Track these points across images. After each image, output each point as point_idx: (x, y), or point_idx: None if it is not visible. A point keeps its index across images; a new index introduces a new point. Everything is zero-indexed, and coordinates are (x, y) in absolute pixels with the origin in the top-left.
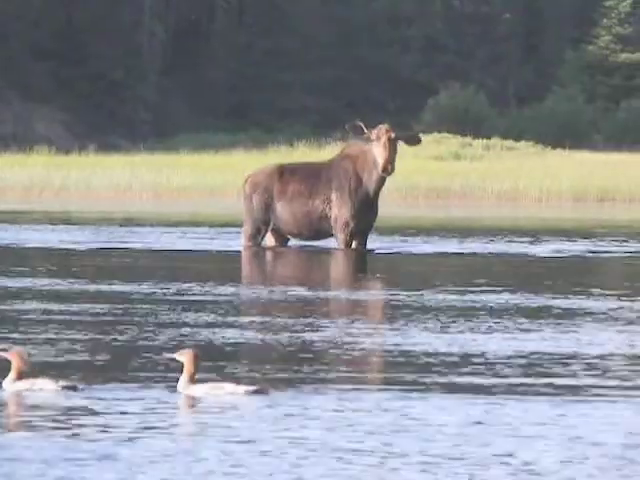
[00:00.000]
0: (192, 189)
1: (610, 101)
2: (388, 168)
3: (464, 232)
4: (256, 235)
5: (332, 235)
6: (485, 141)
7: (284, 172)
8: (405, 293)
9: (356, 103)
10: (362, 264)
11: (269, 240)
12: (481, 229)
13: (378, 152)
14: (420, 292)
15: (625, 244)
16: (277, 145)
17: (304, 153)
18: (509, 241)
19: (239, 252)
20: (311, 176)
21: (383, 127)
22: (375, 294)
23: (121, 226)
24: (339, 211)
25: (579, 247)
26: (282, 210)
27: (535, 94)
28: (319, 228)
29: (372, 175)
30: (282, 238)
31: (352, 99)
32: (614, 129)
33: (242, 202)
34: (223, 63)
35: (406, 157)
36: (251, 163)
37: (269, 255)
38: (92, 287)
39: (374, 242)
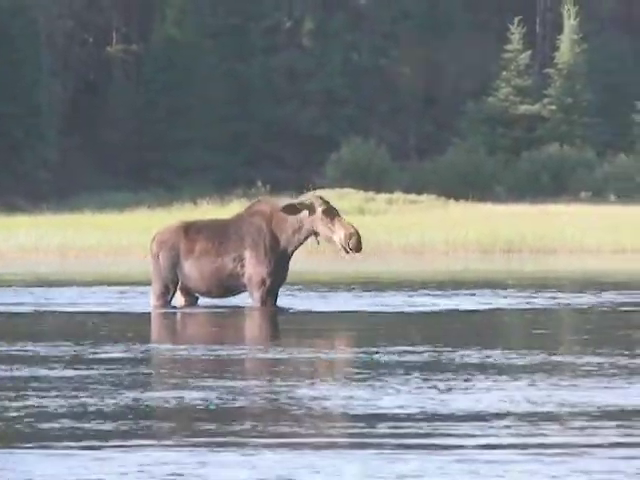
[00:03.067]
0: (97, 249)
1: (511, 153)
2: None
3: (374, 286)
4: (165, 294)
5: (241, 292)
6: (388, 195)
7: (190, 229)
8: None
9: (256, 159)
10: (275, 322)
11: (178, 299)
12: (390, 283)
13: (333, 228)
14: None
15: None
16: (181, 203)
17: (207, 210)
18: (422, 295)
19: (147, 312)
20: (218, 233)
21: (316, 198)
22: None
23: (27, 287)
24: (254, 269)
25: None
26: (190, 268)
27: (436, 146)
28: (228, 286)
29: (293, 238)
30: (191, 297)
31: (252, 155)
32: (516, 181)
33: (149, 261)
34: (122, 121)
35: None
36: (155, 221)
37: (179, 315)
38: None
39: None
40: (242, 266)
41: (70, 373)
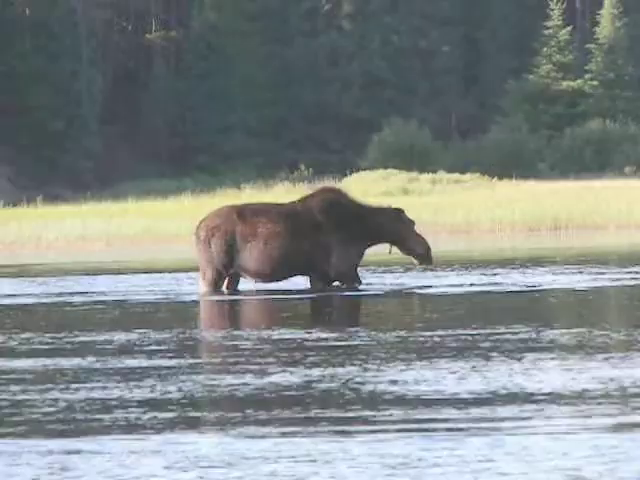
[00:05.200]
0: (142, 236)
1: (554, 129)
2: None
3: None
4: (217, 280)
5: (299, 275)
6: (431, 175)
7: (244, 213)
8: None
9: (299, 143)
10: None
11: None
12: (469, 261)
13: (416, 241)
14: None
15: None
16: (224, 188)
17: (252, 195)
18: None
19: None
20: (287, 217)
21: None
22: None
23: (86, 275)
24: (344, 254)
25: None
26: (252, 252)
27: (478, 126)
28: (297, 269)
29: (374, 238)
30: (235, 282)
31: (294, 139)
32: (559, 157)
33: (197, 248)
34: (163, 108)
35: (355, 195)
36: (199, 207)
37: (242, 302)
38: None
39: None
40: (324, 251)
41: (133, 362)
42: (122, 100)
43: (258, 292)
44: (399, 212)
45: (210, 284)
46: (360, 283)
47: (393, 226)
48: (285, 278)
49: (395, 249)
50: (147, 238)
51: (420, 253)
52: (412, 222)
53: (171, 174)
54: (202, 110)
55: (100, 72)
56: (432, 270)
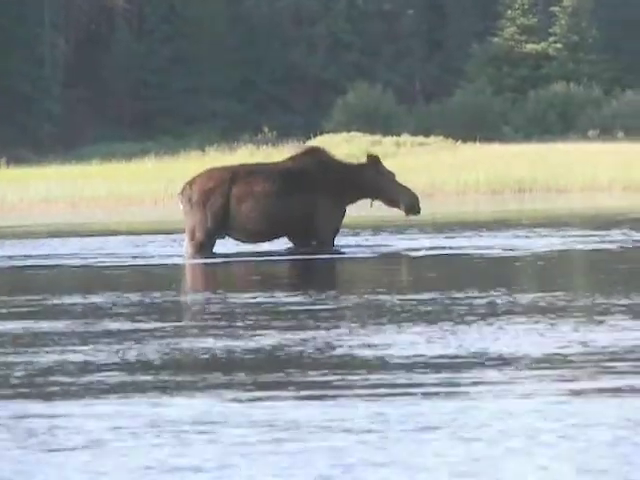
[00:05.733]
0: (107, 198)
1: (518, 92)
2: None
3: (400, 228)
4: (209, 243)
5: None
6: (395, 138)
7: (238, 174)
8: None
9: (264, 105)
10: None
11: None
12: (398, 226)
13: (400, 192)
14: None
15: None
16: (188, 151)
17: (215, 158)
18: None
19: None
20: (280, 176)
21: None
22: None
23: (49, 237)
24: (330, 214)
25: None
26: (249, 211)
27: (442, 89)
28: (293, 227)
29: (357, 193)
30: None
31: (260, 101)
32: (523, 120)
33: (186, 210)
34: (125, 72)
35: None
36: (163, 170)
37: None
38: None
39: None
40: (315, 209)
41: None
42: (85, 63)
43: (240, 254)
44: (377, 164)
45: (199, 246)
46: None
47: (375, 180)
48: (277, 237)
49: (378, 202)
50: (111, 200)
51: (406, 203)
52: (391, 173)
53: (134, 137)
54: (165, 73)
55: (63, 35)
56: (402, 232)
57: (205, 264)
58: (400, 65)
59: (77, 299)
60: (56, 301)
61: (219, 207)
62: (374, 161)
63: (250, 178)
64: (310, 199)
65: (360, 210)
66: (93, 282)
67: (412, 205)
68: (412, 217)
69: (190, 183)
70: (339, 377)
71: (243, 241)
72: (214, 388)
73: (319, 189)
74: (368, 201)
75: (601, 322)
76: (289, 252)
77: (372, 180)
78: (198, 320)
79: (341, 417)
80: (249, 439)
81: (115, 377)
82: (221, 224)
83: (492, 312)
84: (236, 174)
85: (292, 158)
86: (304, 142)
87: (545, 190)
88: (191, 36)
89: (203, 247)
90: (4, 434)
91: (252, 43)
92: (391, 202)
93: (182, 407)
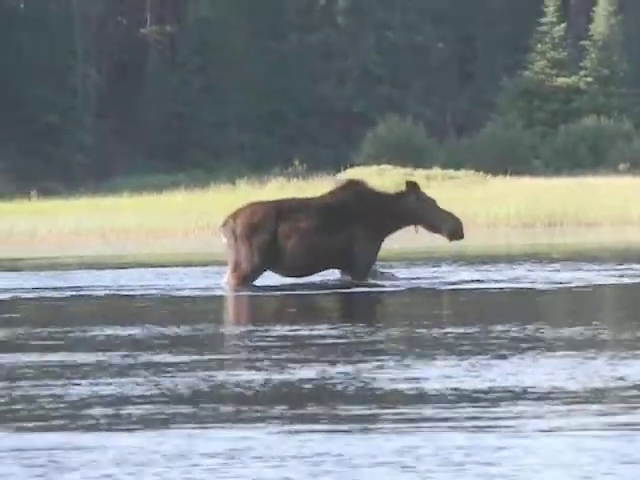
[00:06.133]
0: (137, 231)
1: (548, 126)
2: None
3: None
4: (252, 277)
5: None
6: (426, 171)
7: (282, 210)
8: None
9: (293, 138)
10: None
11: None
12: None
13: (442, 218)
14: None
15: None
16: (218, 184)
17: (246, 191)
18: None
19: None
20: (322, 212)
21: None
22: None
23: (78, 269)
24: (367, 247)
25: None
26: (295, 248)
27: (473, 122)
28: (334, 263)
29: (397, 222)
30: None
31: (289, 134)
32: (554, 154)
33: (231, 243)
34: (157, 103)
35: None
36: (194, 203)
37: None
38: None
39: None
40: (353, 243)
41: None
42: (116, 94)
43: (278, 288)
44: (417, 191)
45: (244, 279)
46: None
47: (415, 207)
48: (320, 272)
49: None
50: (141, 233)
51: (449, 229)
52: (432, 199)
53: (165, 169)
54: (196, 105)
55: (95, 66)
56: (436, 265)
57: (247, 296)
58: (431, 98)
59: (112, 331)
60: (92, 333)
61: (265, 242)
62: (413, 188)
63: (294, 214)
64: (350, 232)
65: (394, 243)
66: (125, 314)
67: (455, 230)
68: (455, 242)
69: (234, 217)
70: (375, 410)
71: (285, 275)
72: (249, 422)
73: (358, 222)
74: (399, 233)
75: (635, 356)
76: (326, 285)
77: (412, 207)
78: (235, 352)
79: (371, 451)
80: (280, 472)
81: (150, 409)
82: (267, 259)
83: (527, 346)
84: (280, 210)
85: (332, 192)
86: (334, 175)
87: (575, 224)
88: (221, 68)
89: (247, 280)
90: (37, 468)
91: (281, 76)
92: (433, 228)
93: (216, 440)
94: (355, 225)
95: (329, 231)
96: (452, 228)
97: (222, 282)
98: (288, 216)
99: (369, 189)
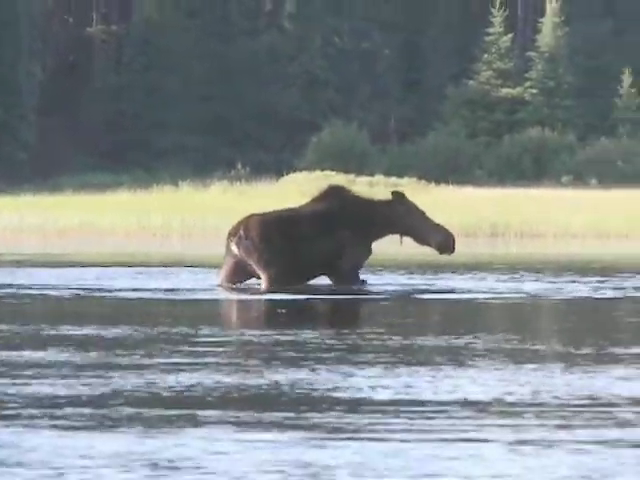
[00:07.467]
0: (79, 229)
1: (492, 136)
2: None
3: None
4: (282, 278)
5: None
6: (369, 178)
7: (290, 217)
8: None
9: (237, 141)
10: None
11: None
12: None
13: (432, 229)
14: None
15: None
16: (161, 185)
17: (189, 193)
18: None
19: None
20: (319, 218)
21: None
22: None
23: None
24: (356, 252)
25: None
26: (304, 253)
27: (417, 130)
28: (326, 267)
29: (383, 230)
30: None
31: (232, 137)
32: (497, 164)
33: (250, 252)
34: (101, 102)
35: (292, 195)
36: (136, 203)
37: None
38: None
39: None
40: (343, 248)
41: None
42: (61, 93)
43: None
44: (404, 201)
45: (275, 281)
46: (361, 283)
47: (404, 217)
48: (313, 279)
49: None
50: (84, 231)
51: (439, 242)
52: (420, 210)
53: (109, 168)
54: (140, 105)
55: (40, 64)
56: (375, 273)
57: (231, 300)
58: (375, 104)
59: (54, 331)
60: (48, 332)
61: (285, 245)
62: (400, 198)
63: (300, 220)
64: (337, 238)
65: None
66: (66, 313)
67: (446, 243)
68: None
69: (244, 229)
70: (346, 419)
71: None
72: (217, 424)
73: (344, 227)
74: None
75: (564, 370)
76: (320, 290)
77: (402, 217)
78: (211, 356)
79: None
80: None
81: (117, 411)
82: (289, 260)
83: (458, 357)
84: (280, 219)
85: (314, 200)
86: (277, 180)
87: (518, 235)
88: (166, 69)
89: (276, 282)
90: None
91: (227, 79)
92: (422, 240)
93: (179, 443)
94: (341, 231)
95: (316, 239)
96: (442, 241)
97: (216, 283)
98: (296, 221)
99: (352, 194)
